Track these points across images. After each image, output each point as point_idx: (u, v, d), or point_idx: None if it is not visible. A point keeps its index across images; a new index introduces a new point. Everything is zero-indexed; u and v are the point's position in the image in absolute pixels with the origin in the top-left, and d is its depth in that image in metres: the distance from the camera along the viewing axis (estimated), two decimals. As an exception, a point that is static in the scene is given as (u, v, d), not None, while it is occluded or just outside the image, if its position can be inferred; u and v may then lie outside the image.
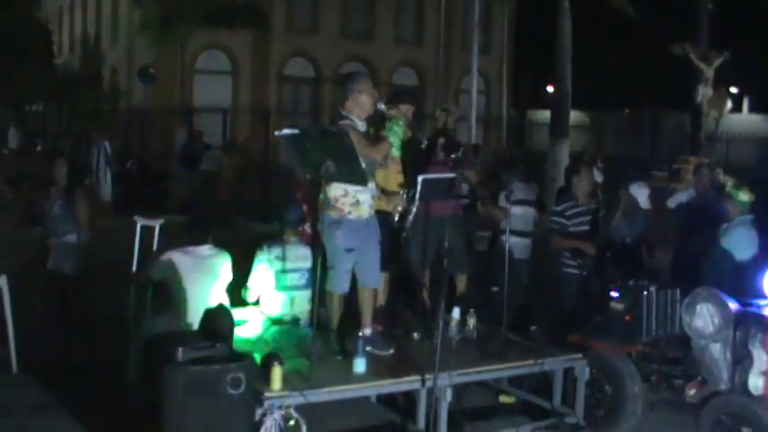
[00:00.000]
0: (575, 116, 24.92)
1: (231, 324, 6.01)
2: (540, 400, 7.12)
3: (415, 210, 7.15)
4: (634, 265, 7.78)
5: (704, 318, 6.28)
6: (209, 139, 21.83)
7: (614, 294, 7.05)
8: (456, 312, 7.22)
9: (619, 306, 7.01)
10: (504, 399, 7.48)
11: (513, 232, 8.11)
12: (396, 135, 6.76)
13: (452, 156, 7.66)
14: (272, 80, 30.78)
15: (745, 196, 7.94)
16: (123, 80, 32.75)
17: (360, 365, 6.12)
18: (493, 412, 7.23)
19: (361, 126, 6.58)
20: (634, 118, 32.16)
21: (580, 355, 6.93)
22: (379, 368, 6.28)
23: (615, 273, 7.40)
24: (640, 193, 9.25)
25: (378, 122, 6.86)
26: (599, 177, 17.80)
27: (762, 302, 6.43)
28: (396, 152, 7.17)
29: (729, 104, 23.56)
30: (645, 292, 6.96)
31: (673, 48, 21.59)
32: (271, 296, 7.32)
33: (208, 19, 25.39)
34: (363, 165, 6.10)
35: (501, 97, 32.31)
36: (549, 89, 23.01)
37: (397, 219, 7.13)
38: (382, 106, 6.79)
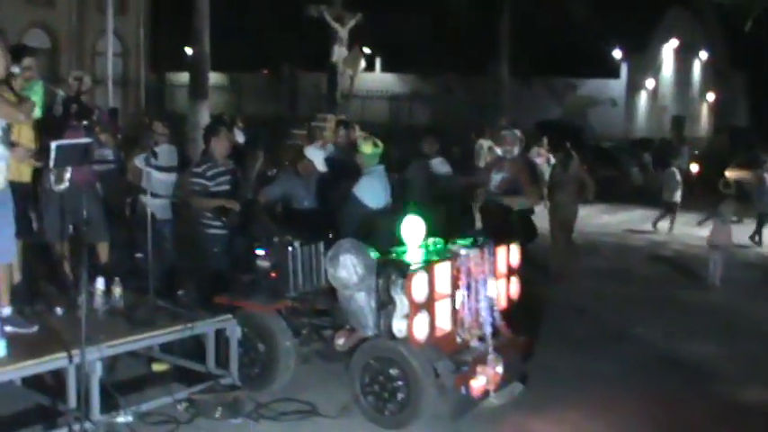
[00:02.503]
0: (214, 78, 24.87)
1: None
2: (194, 364, 7.02)
3: (53, 177, 6.77)
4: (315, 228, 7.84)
5: (347, 268, 6.44)
6: None
7: (260, 252, 7.07)
8: (100, 282, 6.95)
9: (265, 264, 7.05)
10: (156, 367, 7.30)
11: (153, 195, 7.95)
12: (37, 95, 6.49)
13: (85, 122, 7.52)
14: None
15: (373, 149, 8.28)
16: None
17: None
18: (146, 382, 7.02)
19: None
20: (273, 79, 32.70)
21: (230, 316, 6.90)
22: (21, 349, 5.86)
23: (259, 231, 7.44)
24: (315, 155, 9.38)
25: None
26: (240, 138, 17.96)
27: (400, 249, 6.71)
28: (39, 112, 6.78)
29: (363, 64, 24.52)
30: (290, 248, 7.05)
31: (308, 9, 22.02)
32: None
33: None
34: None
35: (139, 59, 31.43)
36: (188, 51, 22.73)
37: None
38: (16, 69, 6.40)
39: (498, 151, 9.03)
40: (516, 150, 9.09)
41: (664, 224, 18.70)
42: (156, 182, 8.67)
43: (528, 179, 9.35)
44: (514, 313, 7.42)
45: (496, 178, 8.98)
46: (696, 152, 32.51)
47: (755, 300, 12.17)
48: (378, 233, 7.32)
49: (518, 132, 9.56)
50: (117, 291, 7.00)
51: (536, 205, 10.45)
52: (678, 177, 18.80)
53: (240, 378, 6.94)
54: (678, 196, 18.67)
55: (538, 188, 9.69)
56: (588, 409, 7.19)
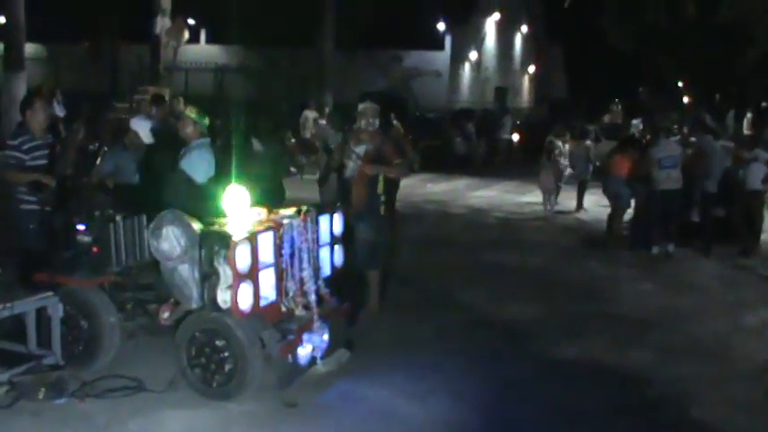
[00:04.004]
0: (31, 49, 23.89)
1: None
2: (14, 345, 6.80)
3: None
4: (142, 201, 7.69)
5: (170, 240, 6.41)
6: None
7: (80, 227, 6.93)
8: None
9: (86, 238, 6.91)
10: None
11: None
12: None
13: None
14: None
15: (199, 118, 8.21)
16: None
17: None
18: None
19: None
20: (93, 50, 31.71)
21: (51, 293, 6.74)
22: None
23: (79, 206, 7.28)
24: (141, 126, 9.18)
25: None
26: (60, 111, 17.40)
27: (223, 220, 6.72)
28: None
29: (187, 35, 24.14)
30: (111, 222, 6.94)
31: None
32: None
33: None
34: None
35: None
36: (1, 20, 21.72)
37: None
38: None
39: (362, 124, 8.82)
40: (377, 123, 9.03)
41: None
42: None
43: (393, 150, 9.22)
44: (338, 281, 7.55)
45: (359, 150, 8.81)
46: (518, 122, 33.65)
47: (572, 262, 12.80)
48: (202, 205, 7.29)
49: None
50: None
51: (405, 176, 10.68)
52: None
53: (64, 357, 6.79)
54: None
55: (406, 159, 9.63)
56: (412, 371, 7.41)
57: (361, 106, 8.97)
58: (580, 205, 18.32)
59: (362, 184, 8.74)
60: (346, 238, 7.89)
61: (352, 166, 8.78)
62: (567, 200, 18.34)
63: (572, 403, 6.96)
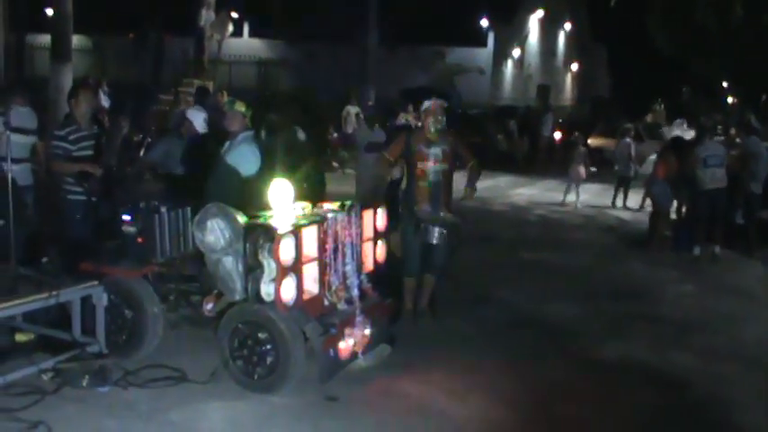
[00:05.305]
0: (77, 40, 24.15)
1: None
2: (59, 332, 6.89)
3: None
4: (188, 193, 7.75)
5: (215, 233, 6.44)
6: None
7: (126, 217, 6.99)
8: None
9: (131, 229, 6.97)
10: (20, 337, 7.12)
11: (13, 160, 7.70)
12: None
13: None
14: None
15: (246, 110, 8.22)
16: None
17: None
18: (10, 353, 6.83)
19: None
20: (138, 42, 31.95)
21: (96, 283, 6.80)
22: None
23: (125, 196, 7.34)
24: (196, 117, 9.33)
25: None
26: (105, 102, 17.58)
27: (268, 214, 6.73)
28: None
29: (231, 28, 24.26)
30: (156, 214, 6.99)
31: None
32: None
33: None
34: None
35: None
36: (49, 12, 21.93)
37: None
38: None
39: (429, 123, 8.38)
40: (445, 120, 8.42)
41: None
42: (16, 145, 8.40)
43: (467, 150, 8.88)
44: (382, 276, 7.54)
45: (434, 151, 8.31)
46: (560, 120, 33.46)
47: (613, 262, 12.70)
48: (247, 198, 7.32)
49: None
50: (-24, 260, 6.80)
51: None
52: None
53: (107, 346, 6.86)
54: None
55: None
56: (454, 368, 7.39)
57: (426, 103, 8.45)
58: (616, 202, 18.38)
59: (448, 188, 8.50)
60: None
61: (432, 168, 8.31)
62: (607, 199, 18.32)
63: (613, 404, 6.90)
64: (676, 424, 6.60)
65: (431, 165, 8.30)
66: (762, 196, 13.27)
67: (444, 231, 8.33)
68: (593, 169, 19.04)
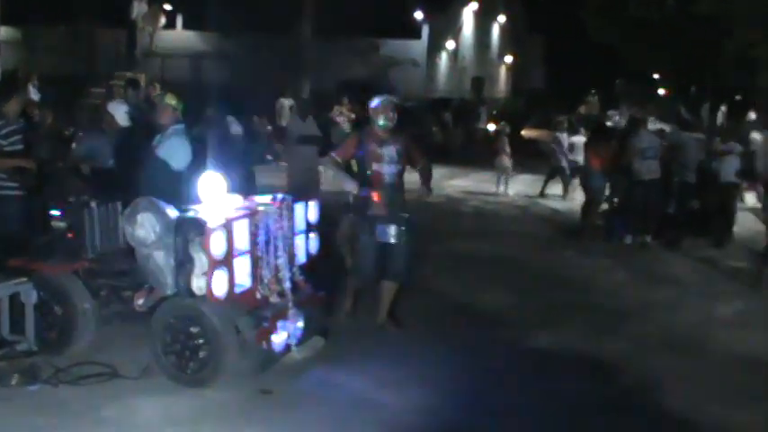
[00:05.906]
0: (6, 32, 23.70)
1: None
2: (-13, 331, 6.79)
3: None
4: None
5: (145, 227, 6.39)
6: None
7: (55, 213, 6.90)
8: None
9: (61, 224, 6.89)
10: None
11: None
12: None
13: None
14: None
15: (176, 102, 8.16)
16: None
17: None
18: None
19: None
20: (70, 34, 31.40)
21: (25, 279, 6.71)
22: None
23: (56, 191, 7.24)
24: (118, 110, 9.19)
25: None
26: (35, 95, 17.27)
27: (197, 207, 6.69)
28: None
29: (163, 21, 24.03)
30: (86, 208, 6.91)
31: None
32: None
33: None
34: None
35: None
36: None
37: None
38: None
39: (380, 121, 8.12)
40: (396, 118, 8.09)
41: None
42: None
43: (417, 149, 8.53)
44: (314, 269, 7.54)
45: (386, 151, 8.03)
46: (494, 112, 33.74)
47: (546, 252, 12.87)
48: (178, 191, 7.27)
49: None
50: None
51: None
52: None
53: (37, 343, 6.78)
54: None
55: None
56: (389, 359, 7.42)
57: (375, 101, 8.10)
58: (543, 192, 18.80)
59: (402, 190, 8.25)
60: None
61: (388, 170, 8.05)
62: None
63: (548, 391, 6.99)
64: (611, 410, 6.69)
65: (385, 166, 8.05)
66: (694, 186, 13.55)
67: (403, 228, 8.08)
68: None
